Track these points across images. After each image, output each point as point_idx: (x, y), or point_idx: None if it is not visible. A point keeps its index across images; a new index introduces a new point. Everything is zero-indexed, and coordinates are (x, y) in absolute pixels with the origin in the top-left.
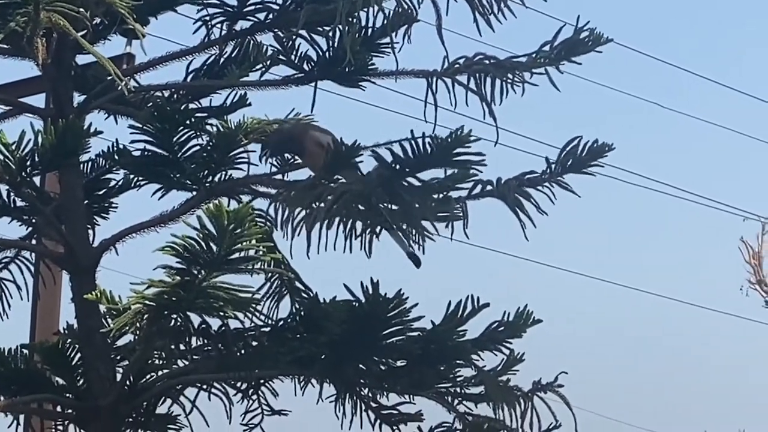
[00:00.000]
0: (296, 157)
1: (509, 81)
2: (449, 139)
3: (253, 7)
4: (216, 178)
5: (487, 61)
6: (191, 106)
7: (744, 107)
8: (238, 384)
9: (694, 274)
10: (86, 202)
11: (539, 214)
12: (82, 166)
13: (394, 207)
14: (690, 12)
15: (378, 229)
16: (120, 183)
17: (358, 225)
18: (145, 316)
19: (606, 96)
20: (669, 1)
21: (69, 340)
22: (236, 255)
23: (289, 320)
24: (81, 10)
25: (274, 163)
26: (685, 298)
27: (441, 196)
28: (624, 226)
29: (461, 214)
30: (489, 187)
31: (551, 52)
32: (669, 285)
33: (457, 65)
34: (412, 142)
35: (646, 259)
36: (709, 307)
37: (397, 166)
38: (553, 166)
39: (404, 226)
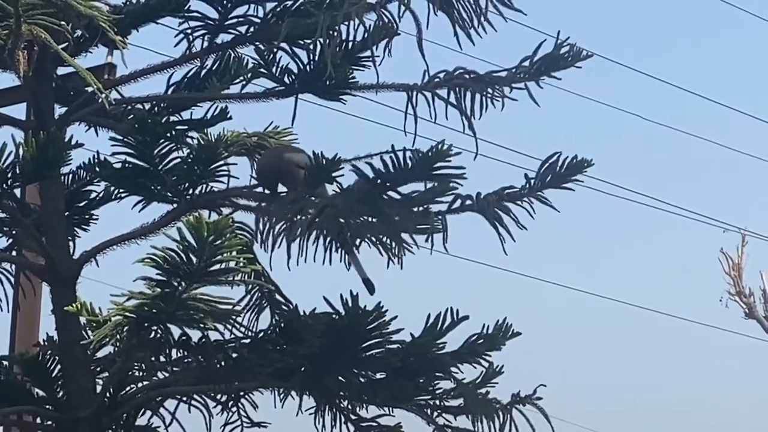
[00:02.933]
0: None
1: (489, 95)
2: (430, 154)
3: (234, 20)
4: (197, 191)
5: (467, 76)
6: (172, 118)
7: (725, 119)
8: (218, 396)
9: (674, 285)
10: (67, 213)
11: (518, 228)
12: (62, 177)
13: (373, 220)
14: (671, 24)
15: (357, 242)
16: (101, 195)
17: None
18: (126, 327)
19: (587, 108)
20: (651, 13)
21: (49, 352)
22: (216, 267)
23: (269, 332)
24: (62, 22)
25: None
26: (665, 309)
27: (421, 209)
28: (603, 237)
29: (441, 228)
30: (468, 202)
31: (531, 67)
32: (648, 296)
33: (437, 79)
34: (393, 156)
35: (625, 270)
36: (688, 318)
37: (378, 181)
38: (532, 181)
39: (384, 239)
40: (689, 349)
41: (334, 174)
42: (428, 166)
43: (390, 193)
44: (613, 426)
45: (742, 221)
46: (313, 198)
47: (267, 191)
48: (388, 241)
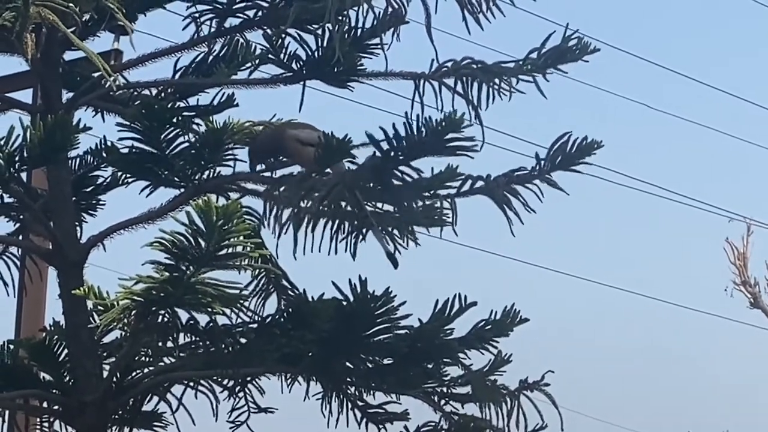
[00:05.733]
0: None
1: (496, 86)
2: (442, 124)
3: (242, 4)
4: (204, 175)
5: (474, 66)
6: (179, 104)
7: (731, 109)
8: (225, 381)
9: (679, 274)
10: (74, 198)
11: (527, 212)
12: (70, 162)
13: (384, 207)
14: (678, 13)
15: (364, 230)
16: (108, 180)
17: (345, 225)
18: (133, 312)
19: (594, 96)
20: (657, 1)
21: (56, 336)
22: (225, 251)
23: (276, 317)
24: (71, 5)
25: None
26: (670, 299)
27: (430, 194)
28: (608, 226)
29: (449, 216)
30: (479, 183)
31: (538, 60)
32: (654, 286)
33: (444, 68)
34: (405, 125)
35: (631, 259)
36: (693, 307)
37: (392, 153)
38: (542, 162)
39: (391, 229)
40: (693, 338)
41: (344, 153)
42: (440, 137)
43: (402, 167)
44: (617, 415)
45: (748, 211)
46: (323, 177)
47: (259, 162)
48: (395, 231)
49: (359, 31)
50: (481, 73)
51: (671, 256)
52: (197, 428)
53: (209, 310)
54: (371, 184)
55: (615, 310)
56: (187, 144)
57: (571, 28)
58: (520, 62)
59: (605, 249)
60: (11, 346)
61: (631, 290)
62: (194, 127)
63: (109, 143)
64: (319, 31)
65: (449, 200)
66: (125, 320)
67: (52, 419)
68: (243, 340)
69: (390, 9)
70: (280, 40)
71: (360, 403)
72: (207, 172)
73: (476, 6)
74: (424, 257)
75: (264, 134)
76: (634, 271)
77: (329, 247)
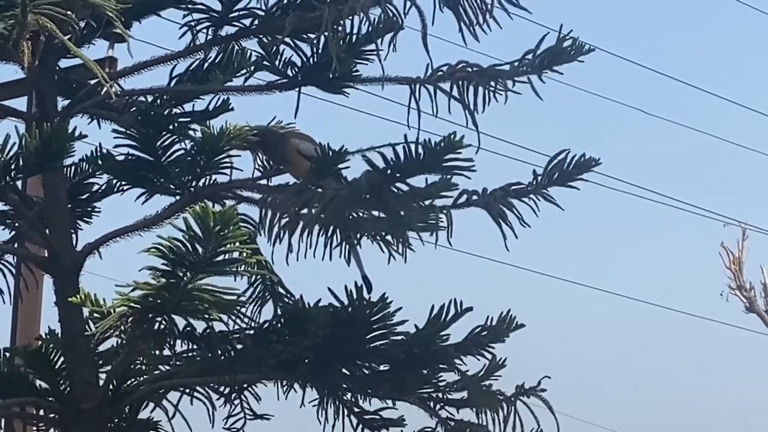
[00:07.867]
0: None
1: (492, 89)
2: (441, 145)
3: (238, 13)
4: (200, 183)
5: (469, 69)
6: (175, 110)
7: (726, 113)
8: (221, 388)
9: (675, 279)
10: (70, 206)
11: (522, 226)
12: (65, 170)
13: (380, 215)
14: (671, 17)
15: (359, 236)
16: (103, 187)
17: (339, 234)
18: (130, 318)
19: (589, 102)
20: (650, 6)
21: (52, 344)
22: (221, 257)
23: (273, 323)
24: (68, 12)
25: (259, 167)
26: (666, 303)
27: (426, 204)
28: (604, 231)
29: (445, 224)
30: (474, 197)
31: (534, 61)
32: (649, 290)
33: (440, 72)
34: (405, 146)
35: (626, 263)
36: (689, 312)
37: (389, 171)
38: (539, 178)
39: (386, 235)
40: (689, 342)
41: (339, 166)
42: (439, 157)
43: (398, 184)
44: (613, 419)
45: (743, 215)
46: (319, 190)
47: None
48: (391, 237)
49: (354, 37)
50: (477, 76)
51: (666, 261)
52: None
53: (206, 316)
54: (368, 197)
55: (610, 314)
56: (182, 151)
57: (563, 31)
58: (516, 64)
59: (600, 253)
60: (7, 354)
61: (627, 295)
62: (191, 133)
63: (104, 150)
64: (315, 39)
65: (445, 211)
66: (122, 327)
67: (48, 427)
68: (239, 347)
69: (386, 17)
70: (274, 48)
71: (356, 410)
72: (203, 180)
73: (473, 19)
74: (421, 263)
75: (271, 134)
76: (629, 276)
77: (323, 254)
